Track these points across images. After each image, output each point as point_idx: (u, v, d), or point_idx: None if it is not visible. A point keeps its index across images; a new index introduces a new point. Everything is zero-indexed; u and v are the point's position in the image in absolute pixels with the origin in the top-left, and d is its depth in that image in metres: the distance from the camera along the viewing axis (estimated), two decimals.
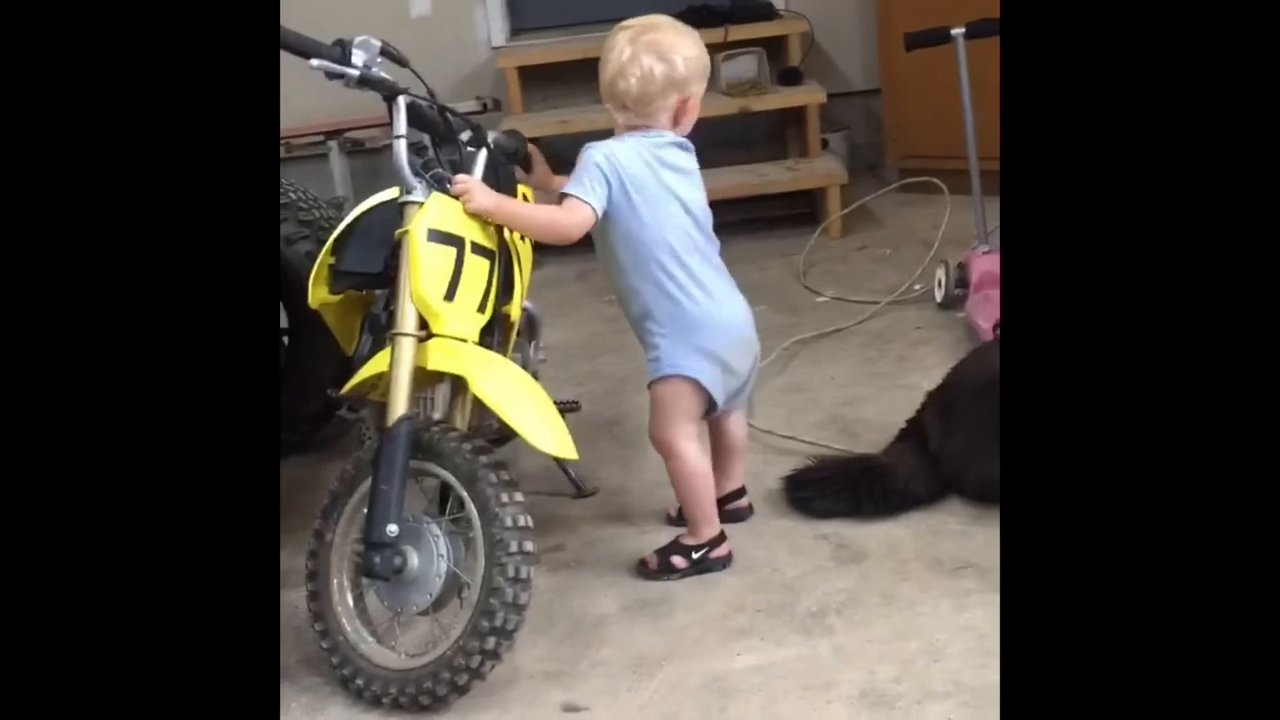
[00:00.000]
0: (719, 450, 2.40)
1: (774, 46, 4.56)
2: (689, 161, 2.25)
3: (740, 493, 2.45)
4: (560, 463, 2.46)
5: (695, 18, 4.44)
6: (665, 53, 2.15)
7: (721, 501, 2.38)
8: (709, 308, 2.20)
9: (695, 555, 2.26)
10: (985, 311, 3.10)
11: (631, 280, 2.22)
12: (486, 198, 2.12)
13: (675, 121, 2.21)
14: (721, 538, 2.27)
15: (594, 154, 2.15)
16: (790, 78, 4.51)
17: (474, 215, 2.11)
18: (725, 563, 2.27)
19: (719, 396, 2.23)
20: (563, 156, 2.20)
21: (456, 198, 2.09)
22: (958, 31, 3.30)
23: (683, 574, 2.25)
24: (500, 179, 2.28)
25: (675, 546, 2.27)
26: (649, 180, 2.16)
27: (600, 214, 2.13)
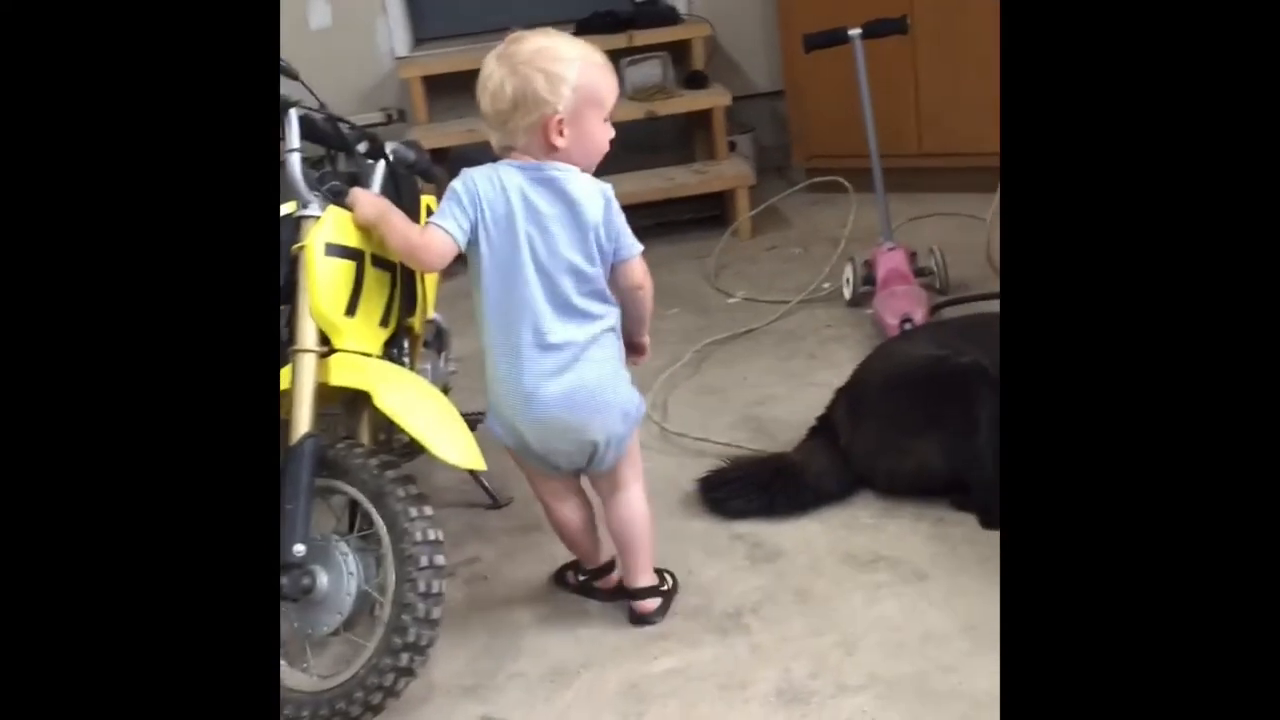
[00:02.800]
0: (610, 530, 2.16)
1: (678, 51, 4.57)
2: (572, 208, 1.92)
3: (608, 568, 2.20)
4: (474, 474, 2.44)
5: (599, 23, 4.47)
6: (520, 66, 1.88)
7: (593, 573, 2.21)
8: (518, 382, 1.94)
9: (581, 578, 2.23)
10: (891, 307, 3.14)
11: (480, 318, 2.00)
12: (370, 207, 2.03)
13: (548, 147, 1.91)
14: (608, 568, 2.20)
15: (455, 180, 1.94)
16: (695, 81, 4.53)
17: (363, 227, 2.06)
18: (612, 595, 2.18)
19: (538, 466, 2.07)
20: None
21: (350, 209, 2.06)
22: (855, 32, 3.33)
23: (572, 589, 2.24)
24: (401, 190, 2.26)
25: (574, 564, 2.26)
26: (504, 217, 1.91)
27: (462, 244, 1.92)
